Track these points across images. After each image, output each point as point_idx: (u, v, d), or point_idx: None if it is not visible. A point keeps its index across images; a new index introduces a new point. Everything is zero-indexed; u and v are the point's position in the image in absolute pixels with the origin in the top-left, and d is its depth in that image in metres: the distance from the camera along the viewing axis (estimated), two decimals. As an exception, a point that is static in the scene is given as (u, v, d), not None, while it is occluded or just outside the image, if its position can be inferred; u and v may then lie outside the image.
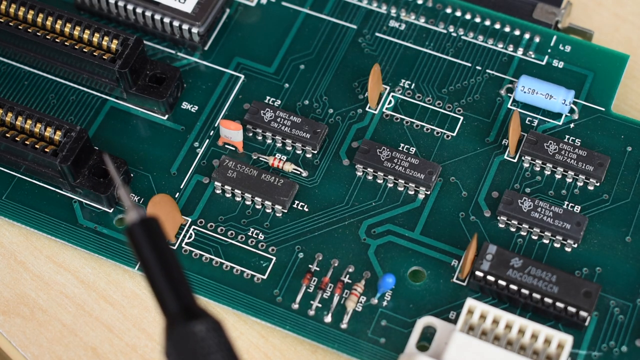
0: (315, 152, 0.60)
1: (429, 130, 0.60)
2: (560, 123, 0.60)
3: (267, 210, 0.58)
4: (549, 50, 0.62)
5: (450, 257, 0.57)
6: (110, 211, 0.59)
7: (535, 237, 0.57)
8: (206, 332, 0.41)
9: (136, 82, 0.61)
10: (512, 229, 0.57)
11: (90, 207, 0.59)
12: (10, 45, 0.62)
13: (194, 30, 0.62)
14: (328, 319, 0.55)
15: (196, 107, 0.62)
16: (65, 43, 0.61)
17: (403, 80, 0.62)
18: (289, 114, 0.60)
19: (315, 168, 0.59)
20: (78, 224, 0.59)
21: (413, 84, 0.62)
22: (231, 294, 0.56)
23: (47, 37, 0.61)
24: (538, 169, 0.59)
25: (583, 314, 0.54)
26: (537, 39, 0.62)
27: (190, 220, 0.58)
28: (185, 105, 0.62)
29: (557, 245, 0.57)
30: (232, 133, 0.59)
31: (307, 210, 0.58)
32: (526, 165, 0.59)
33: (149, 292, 0.42)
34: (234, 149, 0.60)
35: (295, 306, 0.56)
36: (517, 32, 0.63)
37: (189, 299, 0.42)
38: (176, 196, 0.59)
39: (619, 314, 0.55)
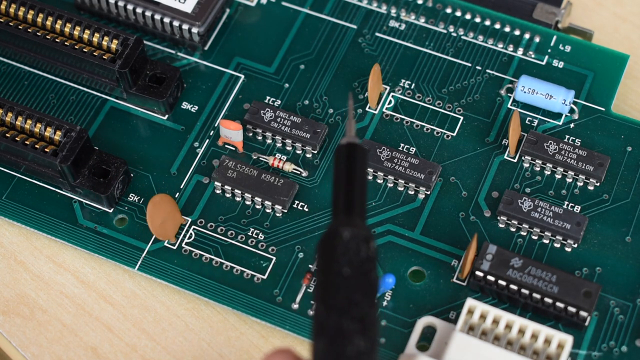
0: (315, 152, 0.60)
1: (429, 130, 0.60)
2: (560, 123, 0.60)
3: (267, 210, 0.58)
4: (549, 50, 0.62)
5: (450, 257, 0.57)
6: (110, 211, 0.59)
7: (535, 237, 0.57)
8: (350, 237, 0.45)
9: (136, 82, 0.61)
10: (512, 229, 0.57)
11: (90, 207, 0.59)
12: (10, 45, 0.62)
13: (194, 30, 0.62)
14: (328, 319, 0.55)
15: (196, 107, 0.62)
16: (65, 43, 0.61)
17: (403, 80, 0.62)
18: (289, 114, 0.60)
19: (315, 168, 0.59)
20: (78, 224, 0.59)
21: (413, 84, 0.62)
22: (231, 294, 0.56)
23: (47, 37, 0.61)
24: (538, 169, 0.59)
25: (583, 314, 0.54)
26: (537, 39, 0.62)
27: (190, 220, 0.58)
28: (185, 105, 0.62)
29: (557, 245, 0.57)
30: (232, 133, 0.59)
31: (307, 210, 0.58)
32: (526, 165, 0.59)
33: (332, 196, 0.48)
34: (234, 149, 0.60)
35: (295, 306, 0.56)
36: (517, 32, 0.63)
37: (359, 209, 0.47)
38: (176, 196, 0.59)
39: (619, 314, 0.55)
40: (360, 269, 0.44)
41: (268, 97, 0.62)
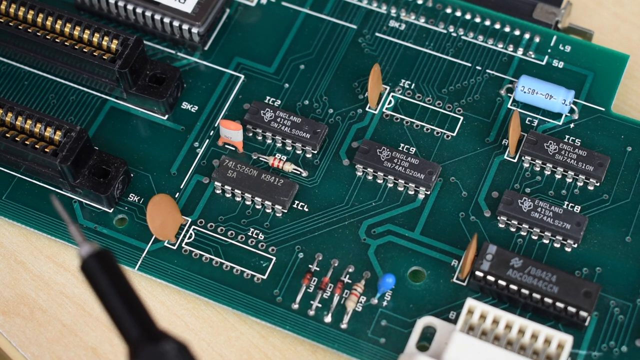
0: (315, 152, 0.60)
1: (429, 130, 0.60)
2: (560, 123, 0.60)
3: (267, 210, 0.58)
4: (549, 50, 0.62)
5: (450, 257, 0.57)
6: (110, 211, 0.59)
7: (535, 237, 0.57)
8: (177, 351, 0.41)
9: (136, 82, 0.61)
10: (512, 229, 0.57)
11: (90, 207, 0.59)
12: (10, 45, 0.62)
13: (194, 30, 0.62)
14: (328, 319, 0.55)
15: (196, 107, 0.62)
16: (65, 43, 0.61)
17: (403, 80, 0.62)
18: (289, 114, 0.60)
19: (315, 168, 0.59)
20: (78, 224, 0.59)
21: (413, 84, 0.62)
22: (231, 294, 0.56)
23: (47, 37, 0.61)
24: (538, 169, 0.59)
25: (583, 314, 0.54)
26: (537, 39, 0.62)
27: (190, 220, 0.58)
28: (185, 105, 0.62)
29: (557, 245, 0.57)
30: (232, 133, 0.59)
31: (307, 210, 0.58)
32: (526, 165, 0.59)
33: (111, 323, 0.42)
34: (234, 149, 0.60)
35: (295, 306, 0.56)
36: (517, 32, 0.63)
37: (152, 323, 0.42)
38: (176, 196, 0.59)
39: (619, 314, 0.55)
40: None
41: (268, 97, 0.62)
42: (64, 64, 0.62)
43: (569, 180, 0.58)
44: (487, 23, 0.63)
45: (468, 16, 0.64)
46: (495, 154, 0.60)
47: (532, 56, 0.62)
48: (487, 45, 0.63)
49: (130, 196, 0.59)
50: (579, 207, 0.58)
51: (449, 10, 0.64)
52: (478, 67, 0.62)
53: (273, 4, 0.65)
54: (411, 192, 0.59)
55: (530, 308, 0.55)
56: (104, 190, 0.58)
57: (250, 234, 0.58)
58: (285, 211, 0.58)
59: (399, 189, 0.59)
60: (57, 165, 0.57)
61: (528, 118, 0.60)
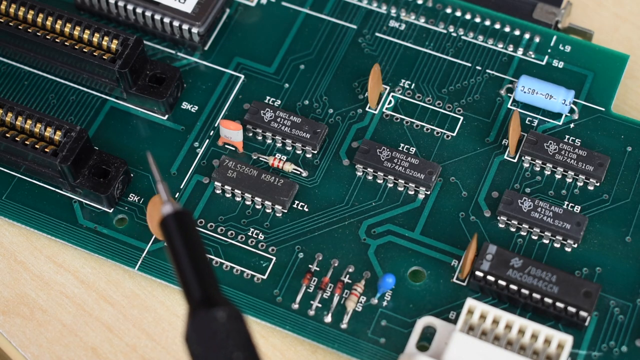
0: (315, 152, 0.60)
1: (429, 130, 0.60)
2: (560, 123, 0.60)
3: (267, 210, 0.58)
4: (549, 50, 0.62)
5: (450, 257, 0.57)
6: (110, 211, 0.59)
7: (535, 237, 0.57)
8: (227, 318, 0.43)
9: (136, 82, 0.61)
10: (512, 229, 0.57)
11: (90, 207, 0.59)
12: (10, 45, 0.62)
13: (194, 30, 0.62)
14: (328, 319, 0.55)
15: (196, 107, 0.62)
16: (65, 43, 0.61)
17: (403, 80, 0.62)
18: (289, 114, 0.60)
19: (315, 168, 0.59)
20: (78, 224, 0.59)
21: (413, 84, 0.62)
22: (231, 294, 0.56)
23: (47, 37, 0.61)
24: (538, 169, 0.59)
25: (583, 314, 0.54)
26: (537, 39, 0.62)
27: (190, 220, 0.58)
28: (185, 105, 0.62)
29: (557, 245, 0.57)
30: (232, 133, 0.59)
31: (307, 210, 0.58)
32: (526, 165, 0.59)
33: (177, 281, 0.45)
34: (234, 149, 0.60)
35: (295, 306, 0.56)
36: (517, 32, 0.63)
37: (213, 288, 0.44)
38: (176, 196, 0.59)
39: (619, 314, 0.55)
40: (249, 350, 0.42)
41: (268, 97, 0.62)
42: (64, 64, 0.62)
43: (569, 180, 0.58)
44: (487, 23, 0.63)
45: (468, 16, 0.64)
46: (495, 154, 0.60)
47: (532, 56, 0.62)
48: (487, 45, 0.63)
49: (130, 196, 0.59)
50: (579, 207, 0.58)
51: (449, 10, 0.64)
52: (478, 67, 0.62)
53: (273, 4, 0.65)
54: (411, 192, 0.59)
55: (530, 308, 0.55)
56: (104, 190, 0.58)
57: (250, 234, 0.58)
58: (285, 211, 0.58)
59: (399, 189, 0.59)
60: (57, 165, 0.57)
61: (528, 118, 0.60)
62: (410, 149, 0.60)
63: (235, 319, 0.43)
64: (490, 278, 0.54)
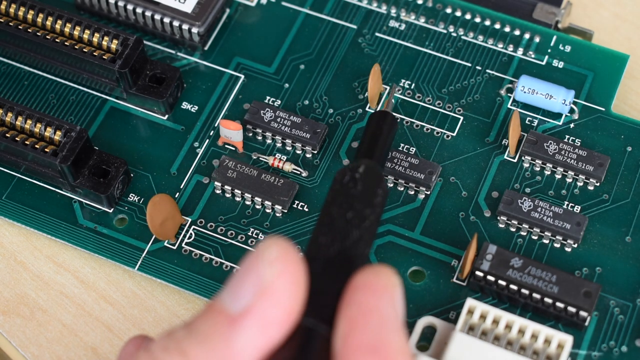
0: (315, 152, 0.60)
1: (429, 130, 0.60)
2: (560, 123, 0.60)
3: (267, 210, 0.58)
4: (549, 50, 0.62)
5: (450, 257, 0.57)
6: (110, 211, 0.59)
7: (535, 237, 0.57)
8: (367, 168, 0.50)
9: (136, 82, 0.61)
10: (512, 229, 0.57)
11: (90, 207, 0.59)
12: (10, 45, 0.62)
13: (194, 30, 0.62)
14: (328, 319, 0.55)
15: (196, 107, 0.62)
16: (65, 43, 0.61)
17: (403, 80, 0.62)
18: (289, 114, 0.60)
19: (315, 168, 0.59)
20: (78, 224, 0.59)
21: (413, 84, 0.62)
22: (231, 294, 0.56)
23: (47, 37, 0.61)
24: (538, 169, 0.59)
25: (583, 314, 0.54)
26: (537, 39, 0.63)
27: (190, 220, 0.58)
28: (185, 105, 0.62)
29: (557, 245, 0.57)
30: (232, 133, 0.59)
31: (307, 210, 0.58)
32: (526, 165, 0.59)
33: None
34: (234, 149, 0.60)
35: (295, 306, 0.56)
36: (517, 32, 0.63)
37: (376, 157, 0.54)
38: (176, 196, 0.59)
39: (619, 314, 0.55)
40: (371, 189, 0.49)
41: (268, 97, 0.62)
42: (64, 64, 0.62)
43: (569, 180, 0.58)
44: (487, 23, 0.63)
45: (468, 16, 0.64)
46: (495, 154, 0.60)
47: (532, 56, 0.62)
48: (487, 45, 0.63)
49: (130, 196, 0.59)
50: (579, 207, 0.58)
51: (449, 10, 0.64)
52: (478, 67, 0.62)
53: (273, 4, 0.65)
54: (411, 192, 0.59)
55: (530, 308, 0.55)
56: (104, 190, 0.58)
57: (250, 234, 0.58)
58: (285, 211, 0.58)
59: (399, 189, 0.59)
60: (57, 165, 0.57)
61: (528, 118, 0.60)
62: (410, 149, 0.60)
63: (374, 173, 0.50)
64: (490, 278, 0.54)
